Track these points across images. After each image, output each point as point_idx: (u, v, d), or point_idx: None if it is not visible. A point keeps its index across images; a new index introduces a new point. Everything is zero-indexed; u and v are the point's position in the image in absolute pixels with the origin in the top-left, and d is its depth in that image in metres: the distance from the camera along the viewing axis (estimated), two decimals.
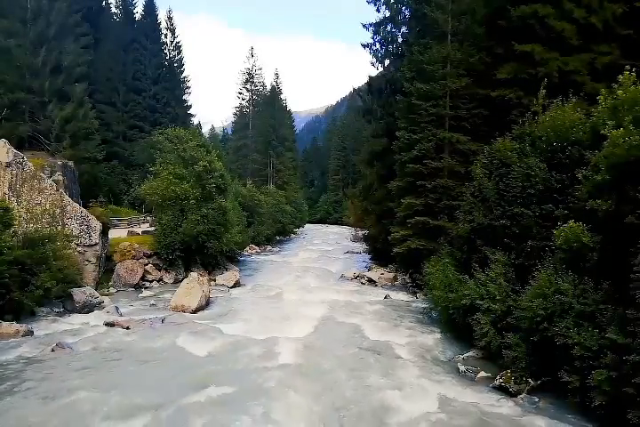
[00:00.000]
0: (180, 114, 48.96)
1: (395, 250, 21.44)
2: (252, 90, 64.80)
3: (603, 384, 7.65)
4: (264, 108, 63.83)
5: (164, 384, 9.52)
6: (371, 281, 23.55)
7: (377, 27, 27.45)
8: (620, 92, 9.10)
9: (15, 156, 17.59)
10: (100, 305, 15.93)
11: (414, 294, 20.17)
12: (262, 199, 41.58)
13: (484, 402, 9.15)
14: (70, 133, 29.19)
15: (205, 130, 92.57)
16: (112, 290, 19.19)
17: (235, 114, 69.13)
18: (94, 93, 38.51)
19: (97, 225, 18.95)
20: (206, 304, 17.06)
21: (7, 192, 17.16)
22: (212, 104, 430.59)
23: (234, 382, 9.75)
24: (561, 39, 15.43)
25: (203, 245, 22.21)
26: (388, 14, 27.28)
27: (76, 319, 14.55)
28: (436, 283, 14.11)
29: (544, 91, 13.02)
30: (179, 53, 51.34)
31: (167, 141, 24.01)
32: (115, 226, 26.67)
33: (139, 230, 26.57)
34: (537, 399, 9.19)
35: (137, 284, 20.28)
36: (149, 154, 29.48)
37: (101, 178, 36.89)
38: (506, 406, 8.98)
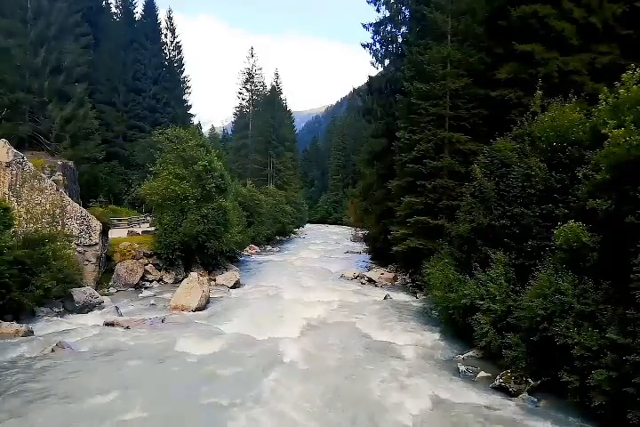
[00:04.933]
0: (180, 114, 48.96)
1: (394, 248, 21.45)
2: (251, 90, 64.90)
3: (603, 384, 7.65)
4: (264, 108, 63.80)
5: (164, 384, 9.54)
6: (371, 281, 23.56)
7: (377, 27, 27.50)
8: (621, 91, 9.09)
9: (15, 156, 17.59)
10: (100, 305, 15.94)
11: (414, 294, 20.17)
12: (262, 199, 41.56)
13: (483, 402, 9.15)
14: (70, 133, 29.26)
15: (205, 130, 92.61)
16: (112, 290, 19.19)
17: (235, 114, 69.36)
18: (94, 93, 38.54)
19: (97, 225, 18.96)
20: (206, 304, 17.06)
21: (7, 192, 17.16)
22: (212, 104, 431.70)
23: (234, 382, 9.76)
24: (561, 39, 15.42)
25: (203, 245, 22.22)
26: (387, 14, 27.37)
27: (76, 319, 14.56)
28: (436, 283, 14.11)
29: (540, 92, 13.04)
30: (179, 53, 51.43)
31: (167, 141, 23.98)
32: (115, 226, 26.64)
33: (139, 230, 26.56)
34: (537, 399, 9.19)
35: (137, 284, 20.28)
36: (149, 154, 29.48)
37: (101, 178, 36.91)
38: (506, 406, 8.97)
